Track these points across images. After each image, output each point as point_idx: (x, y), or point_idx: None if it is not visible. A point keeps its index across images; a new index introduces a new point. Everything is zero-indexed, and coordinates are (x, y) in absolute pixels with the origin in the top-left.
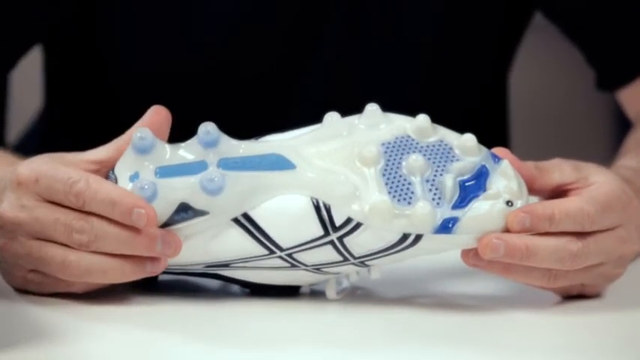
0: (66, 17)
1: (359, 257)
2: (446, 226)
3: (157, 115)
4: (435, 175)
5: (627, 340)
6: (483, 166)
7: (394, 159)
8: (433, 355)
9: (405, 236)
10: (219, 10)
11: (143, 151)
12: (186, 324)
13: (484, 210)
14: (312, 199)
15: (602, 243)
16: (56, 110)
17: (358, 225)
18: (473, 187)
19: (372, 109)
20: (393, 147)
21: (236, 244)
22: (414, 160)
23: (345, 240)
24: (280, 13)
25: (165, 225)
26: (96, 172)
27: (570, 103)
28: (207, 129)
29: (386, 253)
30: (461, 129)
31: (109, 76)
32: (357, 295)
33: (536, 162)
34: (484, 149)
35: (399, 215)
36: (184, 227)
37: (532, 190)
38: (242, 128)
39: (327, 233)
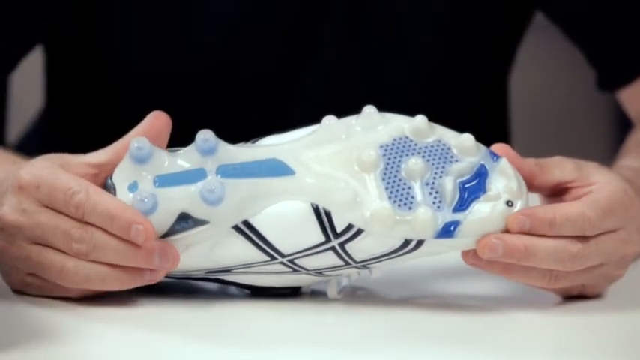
0: (66, 17)
1: (360, 261)
2: (447, 230)
3: (157, 121)
4: (434, 178)
5: (628, 341)
6: (482, 166)
7: (393, 162)
8: (433, 355)
9: (407, 241)
10: (219, 10)
11: (141, 160)
12: (187, 324)
13: (485, 212)
14: (312, 205)
15: (603, 244)
16: (57, 110)
17: (360, 231)
18: (473, 188)
19: (369, 111)
20: (392, 149)
21: (237, 251)
22: (414, 164)
23: (347, 246)
24: (280, 13)
25: (166, 235)
26: (95, 175)
27: (571, 103)
28: (205, 137)
29: (388, 257)
30: (461, 129)
31: (109, 76)
32: (357, 295)
33: (537, 159)
34: (482, 148)
35: (400, 221)
36: (184, 237)
37: (532, 187)
38: (242, 128)
39: (328, 239)
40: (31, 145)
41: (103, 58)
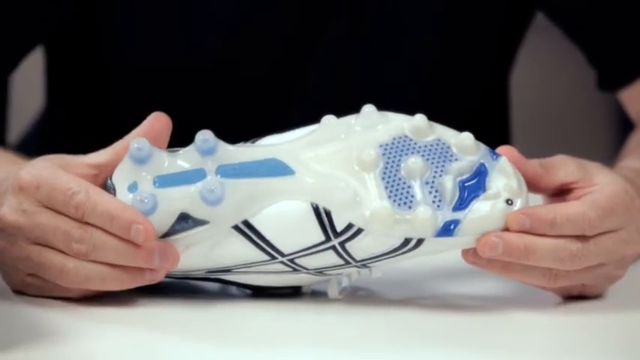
0: (66, 17)
1: (360, 260)
2: (447, 229)
3: (158, 122)
4: (434, 177)
5: (628, 341)
6: (482, 165)
7: (393, 161)
8: (434, 355)
9: (407, 240)
10: (219, 10)
11: (140, 161)
12: (187, 324)
13: (485, 211)
14: (312, 204)
15: (603, 244)
16: (57, 111)
17: (359, 230)
18: (472, 187)
19: (368, 110)
20: (391, 148)
21: (237, 251)
22: (413, 163)
23: (347, 245)
24: (280, 14)
25: (166, 235)
26: (95, 176)
27: (571, 103)
28: (205, 137)
29: (388, 256)
30: (461, 129)
31: (109, 77)
32: (358, 295)
33: (541, 159)
34: (482, 146)
35: (400, 220)
36: (184, 237)
37: (537, 189)
38: (242, 128)
39: (328, 239)
40: (32, 146)
41: (103, 58)
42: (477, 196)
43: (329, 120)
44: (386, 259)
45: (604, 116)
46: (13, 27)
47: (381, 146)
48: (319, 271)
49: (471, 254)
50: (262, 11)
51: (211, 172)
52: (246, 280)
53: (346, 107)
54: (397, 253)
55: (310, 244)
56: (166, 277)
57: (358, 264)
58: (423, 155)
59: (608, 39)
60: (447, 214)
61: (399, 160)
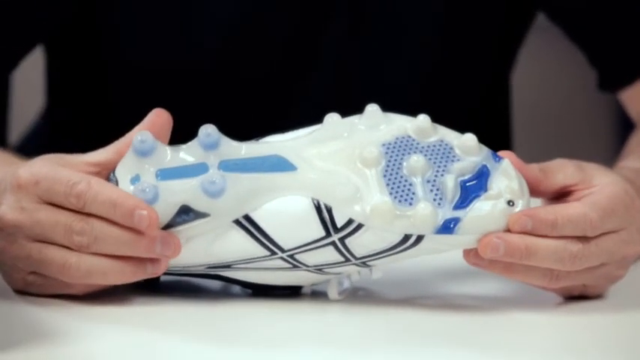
0: (66, 17)
1: (360, 258)
2: (447, 227)
3: (158, 118)
4: (436, 176)
5: (629, 341)
6: (484, 166)
7: (395, 159)
8: (434, 355)
9: (407, 237)
10: (219, 10)
11: (144, 153)
12: (188, 324)
13: (485, 210)
14: (313, 200)
15: (604, 245)
16: (58, 111)
17: (360, 226)
18: (474, 187)
19: (372, 109)
20: (394, 147)
21: (237, 245)
22: (415, 161)
23: (347, 241)
24: (280, 14)
25: (167, 227)
26: (96, 174)
27: (572, 104)
28: (208, 131)
29: (387, 253)
30: (462, 129)
31: (109, 77)
32: (358, 295)
33: (540, 164)
34: (485, 148)
35: (400, 216)
36: (185, 229)
37: (537, 193)
38: (243, 128)
39: (328, 234)
40: (32, 146)
41: (103, 58)
42: (478, 195)
43: (332, 118)
44: (386, 257)
45: (604, 116)
46: (13, 27)
47: (383, 145)
48: (319, 269)
49: (472, 255)
50: (262, 11)
51: (214, 166)
52: (246, 277)
53: (346, 107)
54: (397, 250)
55: (310, 240)
56: (166, 273)
57: (358, 262)
58: (425, 154)
59: (609, 39)
60: (447, 212)
61: (401, 159)
